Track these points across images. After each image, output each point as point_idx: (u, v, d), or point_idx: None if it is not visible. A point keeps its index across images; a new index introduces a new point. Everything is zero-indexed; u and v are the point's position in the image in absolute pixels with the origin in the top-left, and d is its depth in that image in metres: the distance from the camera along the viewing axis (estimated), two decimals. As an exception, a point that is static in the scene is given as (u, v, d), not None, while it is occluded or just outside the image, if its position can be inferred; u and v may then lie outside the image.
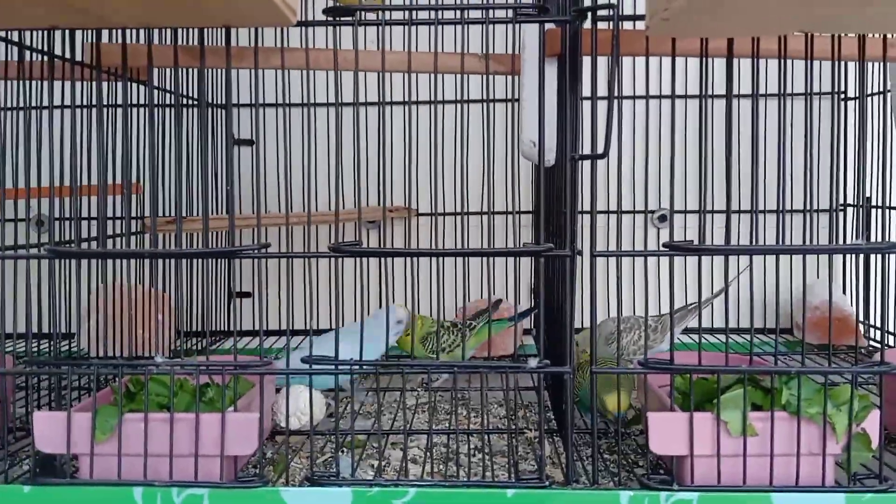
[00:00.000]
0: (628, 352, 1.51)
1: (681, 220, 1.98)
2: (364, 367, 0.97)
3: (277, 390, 1.26)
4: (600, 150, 0.93)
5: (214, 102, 1.86)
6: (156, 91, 1.54)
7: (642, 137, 1.86)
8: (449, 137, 1.87)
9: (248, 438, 0.95)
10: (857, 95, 1.91)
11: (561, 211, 1.08)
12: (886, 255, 0.97)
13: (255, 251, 0.92)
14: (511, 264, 1.83)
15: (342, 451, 1.22)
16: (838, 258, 1.96)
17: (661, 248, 0.95)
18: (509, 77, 1.50)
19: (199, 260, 1.80)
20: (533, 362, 0.95)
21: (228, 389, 1.03)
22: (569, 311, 0.98)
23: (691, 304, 1.59)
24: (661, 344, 1.53)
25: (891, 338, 1.78)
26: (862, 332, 1.84)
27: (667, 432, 0.96)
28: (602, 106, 0.95)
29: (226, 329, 1.95)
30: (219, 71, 1.88)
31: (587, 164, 0.96)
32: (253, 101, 1.01)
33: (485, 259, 0.97)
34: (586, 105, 0.99)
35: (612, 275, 1.91)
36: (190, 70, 1.76)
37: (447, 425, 1.34)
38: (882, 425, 0.95)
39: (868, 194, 1.85)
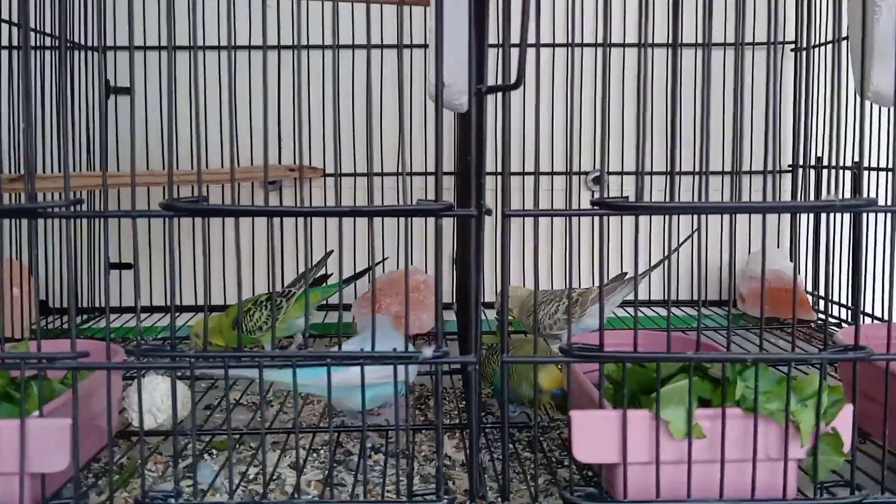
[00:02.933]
0: (543, 325, 1.33)
1: (616, 182, 1.79)
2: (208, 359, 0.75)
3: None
4: (512, 80, 0.73)
5: (86, 44, 1.61)
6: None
7: (569, 88, 1.69)
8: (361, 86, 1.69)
9: (58, 451, 0.73)
10: (805, 44, 1.74)
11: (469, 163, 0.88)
12: (842, 216, 0.79)
13: (62, 209, 0.70)
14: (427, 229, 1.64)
15: (208, 456, 1.01)
16: (785, 224, 1.80)
17: (590, 207, 0.76)
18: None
19: (68, 225, 1.55)
20: (428, 351, 0.75)
21: (49, 385, 0.81)
22: (474, 287, 0.78)
23: (627, 277, 1.41)
24: (584, 319, 1.35)
25: (841, 310, 1.63)
26: (811, 304, 1.69)
27: (594, 435, 0.77)
28: (515, 32, 0.75)
29: (102, 305, 1.71)
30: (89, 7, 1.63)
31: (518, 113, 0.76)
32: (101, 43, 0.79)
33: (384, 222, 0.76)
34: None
35: (545, 239, 1.74)
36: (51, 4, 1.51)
37: (342, 420, 1.13)
38: (856, 423, 0.78)
39: (819, 154, 1.70)
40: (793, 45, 1.76)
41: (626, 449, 0.77)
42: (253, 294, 1.57)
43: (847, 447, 0.77)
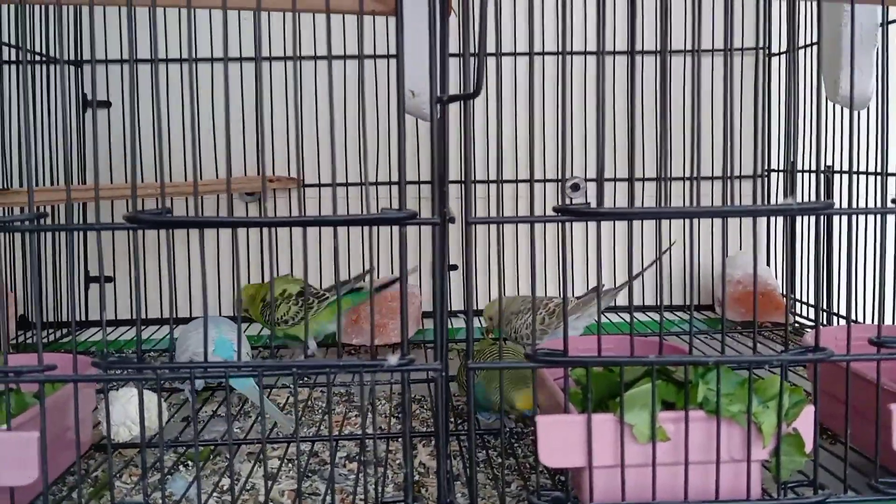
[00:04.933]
0: (520, 335, 1.33)
1: (594, 189, 1.80)
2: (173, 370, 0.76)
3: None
4: (471, 88, 0.74)
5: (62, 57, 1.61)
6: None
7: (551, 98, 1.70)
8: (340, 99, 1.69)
9: (26, 464, 0.74)
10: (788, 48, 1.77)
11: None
12: (818, 219, 0.81)
13: (27, 223, 0.71)
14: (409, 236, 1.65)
15: (183, 467, 1.01)
16: (761, 228, 1.82)
17: (551, 214, 0.77)
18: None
19: (32, 238, 1.56)
20: (393, 359, 0.76)
21: (22, 399, 0.82)
22: (440, 294, 0.79)
23: (606, 287, 1.43)
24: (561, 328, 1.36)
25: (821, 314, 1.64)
26: (788, 308, 1.70)
27: (559, 439, 0.78)
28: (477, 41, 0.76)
29: (85, 319, 1.72)
30: (67, 21, 1.64)
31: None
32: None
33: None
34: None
35: (522, 246, 1.74)
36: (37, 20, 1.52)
37: (317, 430, 1.14)
38: (817, 423, 0.79)
39: (793, 158, 1.71)
40: (773, 52, 1.77)
41: (591, 453, 0.77)
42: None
43: (809, 447, 0.78)
